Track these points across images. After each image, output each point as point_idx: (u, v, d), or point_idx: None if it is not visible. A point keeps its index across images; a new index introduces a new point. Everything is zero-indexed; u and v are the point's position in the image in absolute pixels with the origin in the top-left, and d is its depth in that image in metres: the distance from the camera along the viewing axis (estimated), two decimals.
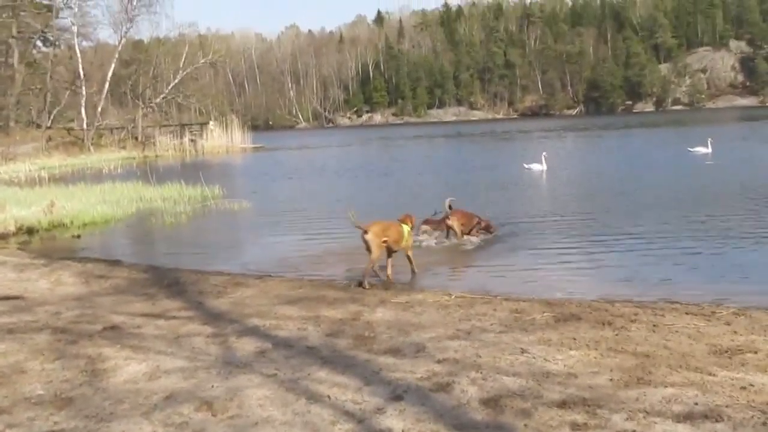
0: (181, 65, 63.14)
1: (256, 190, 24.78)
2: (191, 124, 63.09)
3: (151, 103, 62.66)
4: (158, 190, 22.71)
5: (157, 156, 53.83)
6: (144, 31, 75.81)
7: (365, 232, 9.63)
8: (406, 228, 10.14)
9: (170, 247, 14.37)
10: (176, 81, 62.51)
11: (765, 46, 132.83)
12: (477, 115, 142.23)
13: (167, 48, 66.17)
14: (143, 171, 33.98)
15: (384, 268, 10.04)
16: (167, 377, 5.82)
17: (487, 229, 13.24)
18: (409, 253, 10.30)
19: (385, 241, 9.73)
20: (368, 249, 9.66)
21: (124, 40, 62.39)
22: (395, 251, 10.06)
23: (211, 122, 60.85)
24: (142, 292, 9.47)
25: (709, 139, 30.01)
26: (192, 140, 58.52)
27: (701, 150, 29.52)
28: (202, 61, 65.58)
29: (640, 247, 11.79)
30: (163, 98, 63.14)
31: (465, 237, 12.86)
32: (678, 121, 76.40)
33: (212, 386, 5.55)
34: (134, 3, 60.33)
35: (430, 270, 10.88)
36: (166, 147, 57.05)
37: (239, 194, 22.02)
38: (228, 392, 5.40)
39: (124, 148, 56.63)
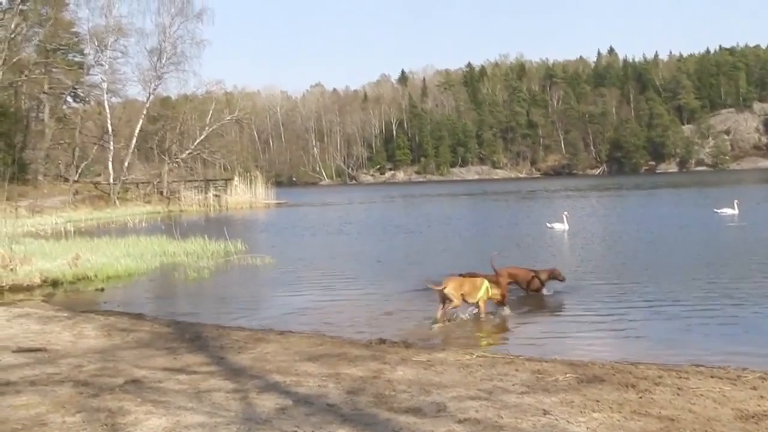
0: (207, 122, 64.07)
1: (278, 246, 24.89)
2: (216, 180, 63.81)
3: (177, 158, 63.44)
4: (182, 245, 22.84)
5: (181, 211, 54.34)
6: (172, 88, 77.60)
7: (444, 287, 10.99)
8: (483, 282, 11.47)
9: (192, 302, 14.42)
10: (202, 137, 63.38)
11: None
12: (499, 173, 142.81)
13: (194, 105, 67.19)
14: (167, 225, 34.24)
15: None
16: None
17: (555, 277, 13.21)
18: (481, 304, 11.41)
19: (462, 295, 11.12)
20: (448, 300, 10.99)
21: (152, 97, 63.60)
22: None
23: (235, 178, 61.47)
24: (164, 347, 9.49)
25: (736, 200, 29.89)
26: (216, 195, 59.12)
27: (728, 211, 29.41)
28: (228, 118, 66.49)
29: (665, 310, 11.68)
30: (188, 154, 63.95)
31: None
32: (702, 182, 76.20)
33: None
34: (163, 61, 61.65)
35: (452, 328, 10.83)
36: (191, 202, 57.66)
37: (262, 249, 22.10)
38: None
39: (149, 202, 57.25)
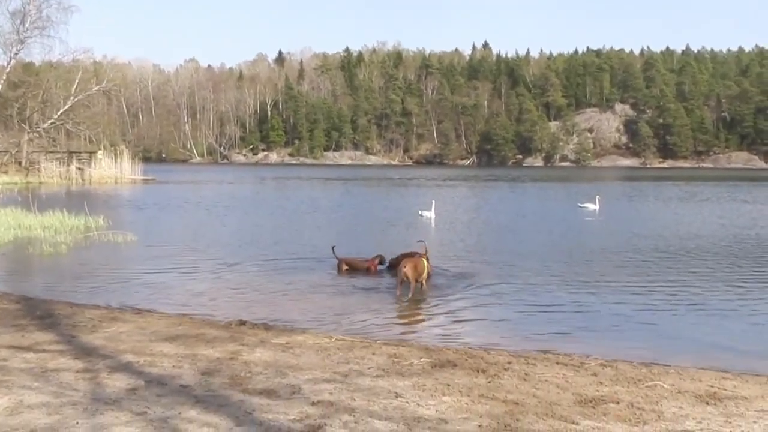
0: (72, 91, 61.35)
1: (142, 223, 24.24)
2: (79, 152, 61.23)
3: (39, 128, 60.48)
4: (39, 219, 21.86)
5: (41, 183, 51.97)
6: (35, 53, 73.44)
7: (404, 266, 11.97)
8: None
9: (46, 278, 13.85)
10: (66, 107, 60.62)
11: (647, 111, 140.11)
12: (372, 159, 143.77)
13: (59, 73, 64.10)
14: (25, 197, 32.69)
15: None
16: (30, 412, 5.59)
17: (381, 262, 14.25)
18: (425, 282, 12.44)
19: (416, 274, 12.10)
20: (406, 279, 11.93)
21: (13, 62, 60.30)
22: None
23: (100, 151, 59.26)
24: (11, 324, 9.09)
25: (597, 196, 31.33)
26: (79, 169, 56.82)
27: (590, 206, 30.79)
28: (95, 88, 63.90)
29: (523, 297, 12.15)
30: (51, 124, 61.04)
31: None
32: (566, 177, 79.35)
33: (77, 423, 5.36)
34: (27, 25, 58.54)
35: (313, 312, 10.88)
36: (52, 174, 55.16)
37: (124, 226, 21.43)
38: (93, 429, 5.23)
39: (6, 172, 54.37)
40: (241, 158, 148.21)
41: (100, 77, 68.62)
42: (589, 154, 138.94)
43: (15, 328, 8.86)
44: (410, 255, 13.24)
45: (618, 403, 6.21)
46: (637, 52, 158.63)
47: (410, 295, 11.90)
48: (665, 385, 6.83)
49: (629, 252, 18.04)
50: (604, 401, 6.24)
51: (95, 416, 5.52)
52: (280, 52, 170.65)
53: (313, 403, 5.94)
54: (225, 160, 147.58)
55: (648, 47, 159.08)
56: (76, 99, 61.14)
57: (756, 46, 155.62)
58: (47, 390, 6.18)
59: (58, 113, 60.63)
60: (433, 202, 27.41)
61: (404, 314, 11.03)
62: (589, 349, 8.69)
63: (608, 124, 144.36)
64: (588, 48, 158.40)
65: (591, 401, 6.24)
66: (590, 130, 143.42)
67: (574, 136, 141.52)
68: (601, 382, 6.90)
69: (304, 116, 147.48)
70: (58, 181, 53.40)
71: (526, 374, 7.11)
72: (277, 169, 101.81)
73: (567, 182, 65.87)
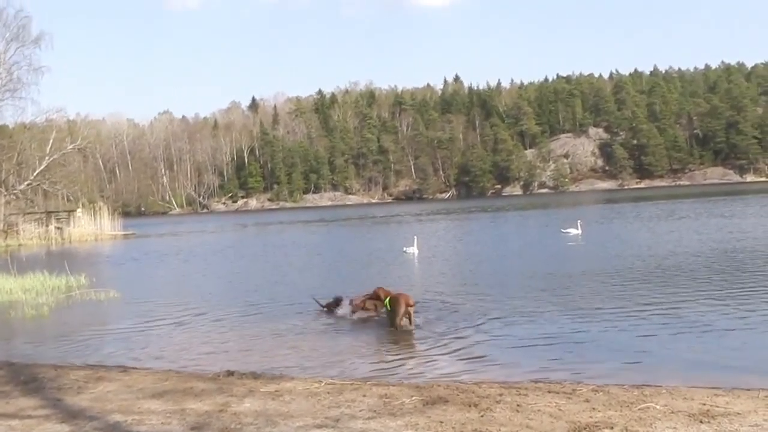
0: (47, 151, 61.16)
1: (124, 279, 24.07)
2: (58, 212, 60.91)
3: (15, 190, 60.19)
4: (19, 281, 21.60)
5: (20, 245, 51.52)
6: (8, 116, 73.42)
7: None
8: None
9: (30, 342, 13.64)
10: (42, 167, 60.40)
11: (620, 133, 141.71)
12: (352, 199, 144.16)
13: (33, 133, 63.93)
14: (4, 261, 32.40)
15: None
16: None
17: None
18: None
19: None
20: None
21: None
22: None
23: (78, 210, 58.98)
24: None
25: (579, 221, 31.50)
26: (58, 228, 56.46)
27: (572, 231, 30.92)
28: (70, 147, 63.74)
29: (511, 328, 12.10)
30: (27, 185, 60.77)
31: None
32: (545, 203, 79.78)
33: None
34: None
35: (300, 357, 10.79)
36: (31, 235, 54.74)
37: (106, 283, 21.25)
38: None
39: None
40: (221, 206, 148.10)
41: (75, 135, 68.45)
42: (566, 180, 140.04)
43: None
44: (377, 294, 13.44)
45: (612, 428, 6.18)
46: (606, 75, 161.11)
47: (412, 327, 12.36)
48: (658, 406, 6.81)
49: (614, 274, 18.09)
50: (598, 427, 6.21)
51: None
52: (253, 99, 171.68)
53: None
54: (205, 210, 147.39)
55: (617, 70, 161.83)
56: (51, 159, 60.93)
57: (722, 62, 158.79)
58: None
59: (34, 174, 60.40)
60: (416, 237, 27.45)
61: (392, 353, 10.95)
62: (579, 375, 8.68)
63: (583, 148, 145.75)
64: (558, 75, 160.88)
65: (585, 428, 6.20)
66: (566, 156, 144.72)
67: (551, 162, 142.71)
68: (594, 408, 6.87)
69: (281, 160, 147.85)
70: (37, 242, 52.97)
71: (518, 405, 7.07)
72: (257, 215, 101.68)
73: (547, 209, 66.21)
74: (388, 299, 12.68)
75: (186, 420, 7.06)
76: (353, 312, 13.94)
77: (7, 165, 61.71)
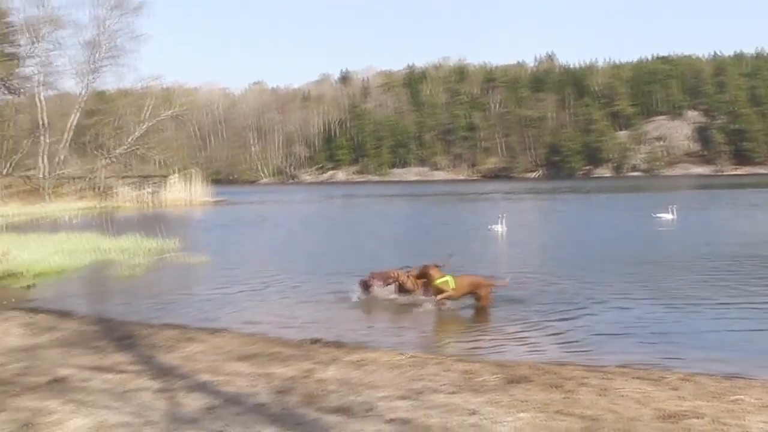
0: (144, 117, 63.01)
1: (214, 244, 24.64)
2: (152, 176, 62.78)
3: (113, 154, 62.29)
4: (115, 242, 22.44)
5: (116, 207, 53.37)
6: (108, 81, 75.27)
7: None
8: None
9: (124, 300, 14.16)
10: (139, 133, 62.30)
11: (719, 117, 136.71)
12: (439, 175, 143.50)
13: (131, 100, 66.02)
14: (102, 222, 33.66)
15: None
16: None
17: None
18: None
19: None
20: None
21: (87, 91, 62.31)
22: None
23: (172, 175, 60.63)
24: (91, 345, 9.33)
25: (672, 205, 30.61)
26: (153, 192, 58.22)
27: (665, 216, 30.09)
28: (166, 113, 65.52)
29: (597, 311, 11.87)
30: (125, 149, 62.82)
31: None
32: (637, 187, 77.89)
33: None
34: (99, 54, 60.43)
35: (384, 328, 10.87)
36: (126, 198, 56.68)
37: (197, 248, 21.84)
38: None
39: (83, 198, 56.07)
40: (309, 177, 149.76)
41: (171, 103, 70.27)
42: (660, 163, 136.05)
43: (95, 349, 9.09)
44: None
45: (701, 418, 6.02)
46: (706, 57, 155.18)
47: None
48: (750, 399, 6.60)
49: (707, 262, 17.50)
50: (686, 416, 6.06)
51: None
52: (344, 71, 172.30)
53: (388, 421, 5.93)
54: (293, 180, 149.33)
55: (720, 51, 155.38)
56: (148, 125, 62.78)
57: None
58: (128, 410, 6.31)
59: (131, 139, 62.33)
60: (503, 215, 27.19)
61: (474, 329, 10.92)
62: (667, 362, 8.48)
63: (679, 131, 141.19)
64: (655, 55, 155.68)
65: (672, 416, 6.06)
66: (660, 139, 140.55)
67: (644, 145, 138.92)
68: (681, 397, 6.71)
69: (370, 134, 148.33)
70: (132, 205, 54.77)
71: (603, 389, 6.96)
72: (344, 187, 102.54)
73: (639, 192, 64.66)
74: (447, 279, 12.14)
75: (272, 384, 7.21)
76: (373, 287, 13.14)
77: (106, 130, 63.92)
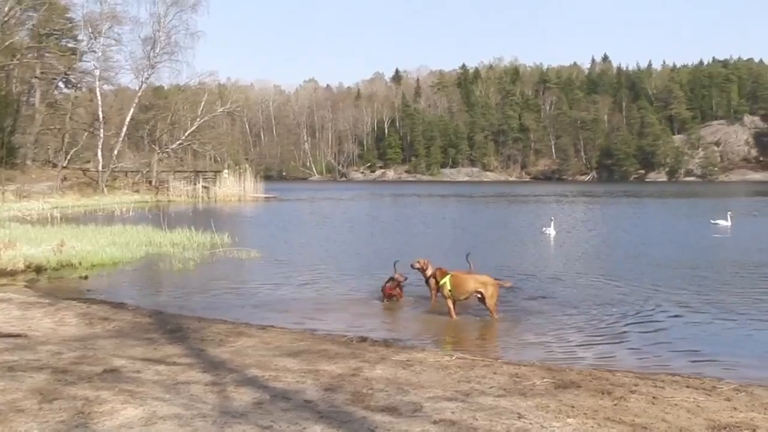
0: (199, 113, 63.92)
1: (265, 240, 24.86)
2: (205, 171, 63.67)
3: (167, 148, 63.33)
4: (168, 235, 22.80)
5: (169, 201, 54.22)
6: (165, 77, 76.44)
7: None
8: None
9: (176, 293, 14.38)
10: (193, 128, 63.22)
11: None
12: (490, 176, 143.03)
13: (186, 95, 67.05)
14: (155, 215, 34.18)
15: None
16: (163, 423, 5.80)
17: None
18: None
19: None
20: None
21: (144, 86, 63.42)
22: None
23: (225, 170, 61.39)
24: (144, 337, 9.49)
25: (729, 212, 30.02)
26: (205, 187, 59.04)
27: (722, 222, 29.54)
28: (220, 110, 66.40)
29: (649, 317, 11.69)
30: (179, 144, 63.84)
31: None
32: (693, 192, 76.59)
33: None
34: (157, 50, 61.48)
35: (431, 329, 10.87)
36: (179, 192, 57.57)
37: (248, 243, 22.07)
38: None
39: (137, 191, 57.14)
40: (359, 175, 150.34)
41: (225, 99, 71.21)
42: (716, 169, 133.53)
43: (147, 341, 9.24)
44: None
45: (755, 430, 5.90)
46: (766, 61, 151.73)
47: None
48: None
49: (765, 271, 17.13)
50: (739, 428, 5.94)
51: (224, 429, 5.67)
52: (396, 71, 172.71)
53: (435, 422, 5.91)
54: (343, 178, 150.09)
55: None
56: (202, 120, 63.68)
57: None
58: (178, 402, 6.40)
59: (186, 134, 63.32)
60: (553, 218, 26.96)
61: (523, 333, 10.84)
62: (720, 372, 8.31)
63: (737, 136, 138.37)
64: (714, 58, 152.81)
65: (725, 428, 5.94)
66: (717, 144, 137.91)
67: (700, 149, 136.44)
68: (735, 408, 6.57)
69: (420, 133, 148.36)
70: (185, 200, 55.58)
71: (654, 397, 6.86)
72: (394, 186, 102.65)
73: (694, 198, 63.49)
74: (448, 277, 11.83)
75: (320, 381, 7.25)
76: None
77: (161, 124, 65.06)
